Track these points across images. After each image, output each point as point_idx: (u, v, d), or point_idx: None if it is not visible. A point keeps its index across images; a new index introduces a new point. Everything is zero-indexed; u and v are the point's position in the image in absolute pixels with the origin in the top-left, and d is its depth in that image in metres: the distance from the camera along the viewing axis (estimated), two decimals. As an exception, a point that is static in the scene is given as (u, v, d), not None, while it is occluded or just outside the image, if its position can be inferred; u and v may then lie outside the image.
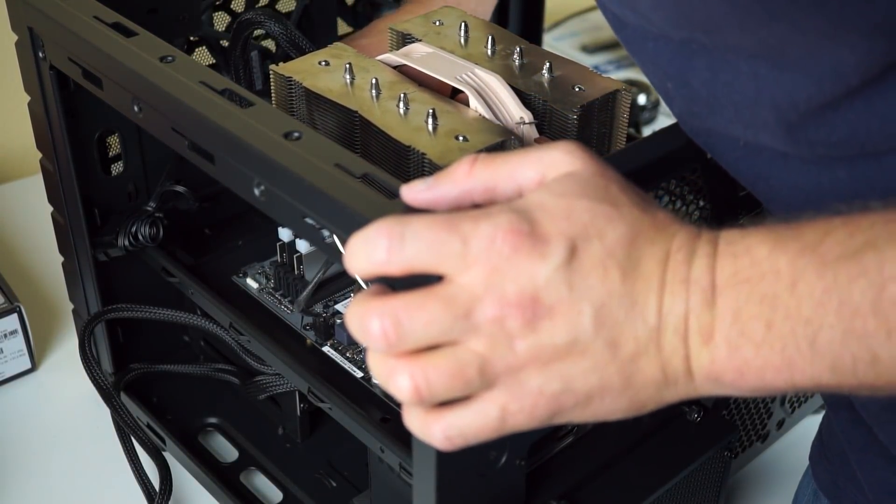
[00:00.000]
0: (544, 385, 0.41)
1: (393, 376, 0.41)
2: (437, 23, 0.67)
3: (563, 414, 0.42)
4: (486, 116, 0.58)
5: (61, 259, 0.76)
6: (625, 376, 0.41)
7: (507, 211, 0.41)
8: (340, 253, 0.45)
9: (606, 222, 0.41)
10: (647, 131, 1.16)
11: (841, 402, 0.59)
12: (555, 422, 0.43)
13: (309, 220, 0.49)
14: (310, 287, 0.66)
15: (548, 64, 0.62)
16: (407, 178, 0.54)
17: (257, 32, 0.82)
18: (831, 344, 0.39)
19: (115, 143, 0.72)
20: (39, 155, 0.71)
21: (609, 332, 0.40)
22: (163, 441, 0.76)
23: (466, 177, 0.43)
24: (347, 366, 0.63)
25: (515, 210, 0.41)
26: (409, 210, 0.43)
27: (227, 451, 0.77)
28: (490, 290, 0.40)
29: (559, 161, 0.43)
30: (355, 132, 0.58)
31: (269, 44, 0.79)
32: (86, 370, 0.73)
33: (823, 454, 0.63)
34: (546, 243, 0.40)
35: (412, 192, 0.43)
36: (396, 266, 0.41)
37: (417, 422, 0.43)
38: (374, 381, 0.61)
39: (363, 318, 0.41)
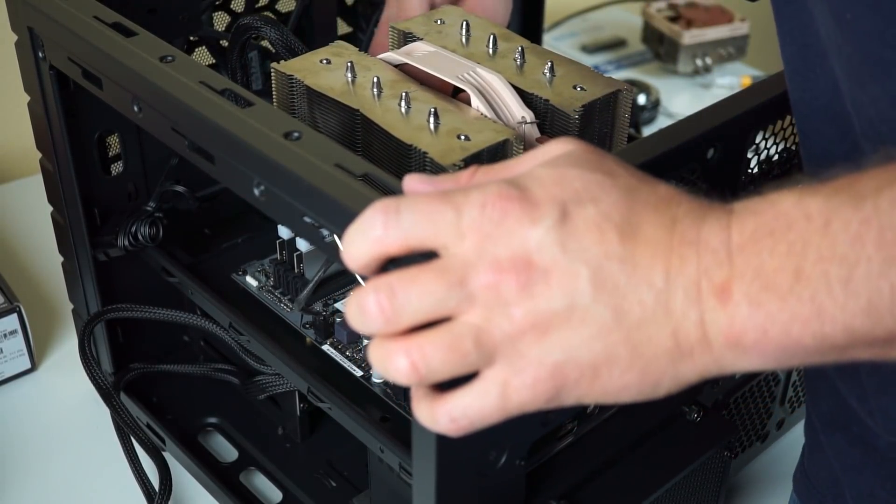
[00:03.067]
0: (544, 355, 0.39)
1: (391, 358, 0.40)
2: (439, 21, 0.67)
3: (568, 390, 0.40)
4: (488, 116, 0.58)
5: (61, 259, 0.76)
6: (632, 345, 0.39)
7: (498, 181, 0.41)
8: (340, 252, 0.45)
9: (600, 189, 0.40)
10: (647, 131, 1.16)
11: (837, 421, 0.57)
12: (563, 400, 0.41)
13: (308, 220, 0.48)
14: (310, 286, 0.66)
15: (549, 63, 0.62)
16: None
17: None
18: (868, 278, 0.36)
19: (114, 143, 0.72)
20: (39, 155, 0.71)
21: (609, 296, 0.39)
22: (162, 441, 0.76)
23: (468, 183, 0.43)
24: (347, 365, 0.63)
25: (506, 180, 0.41)
26: None
27: (226, 451, 0.77)
28: (483, 256, 0.39)
29: (554, 147, 0.43)
30: (357, 131, 0.58)
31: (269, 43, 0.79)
32: (85, 370, 0.72)
33: (807, 481, 0.62)
34: (536, 207, 0.39)
35: (415, 182, 0.43)
36: (393, 240, 0.40)
37: (425, 411, 0.42)
38: (375, 379, 0.61)
39: (360, 298, 0.40)
